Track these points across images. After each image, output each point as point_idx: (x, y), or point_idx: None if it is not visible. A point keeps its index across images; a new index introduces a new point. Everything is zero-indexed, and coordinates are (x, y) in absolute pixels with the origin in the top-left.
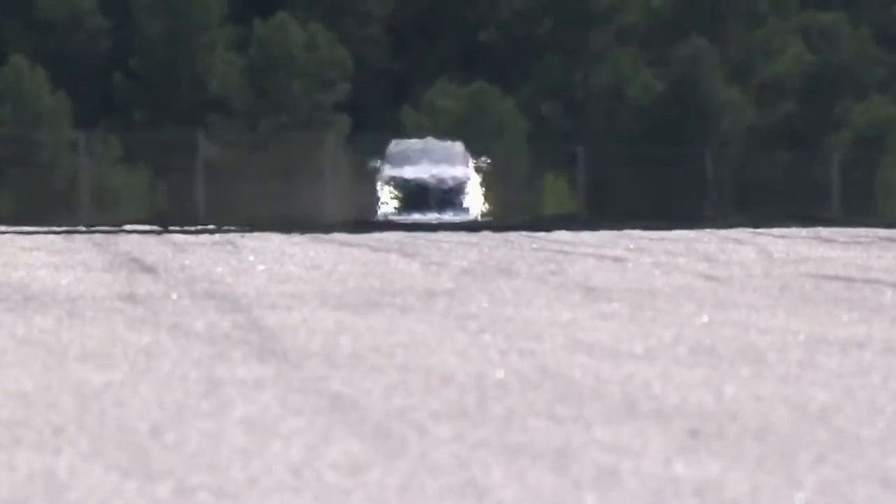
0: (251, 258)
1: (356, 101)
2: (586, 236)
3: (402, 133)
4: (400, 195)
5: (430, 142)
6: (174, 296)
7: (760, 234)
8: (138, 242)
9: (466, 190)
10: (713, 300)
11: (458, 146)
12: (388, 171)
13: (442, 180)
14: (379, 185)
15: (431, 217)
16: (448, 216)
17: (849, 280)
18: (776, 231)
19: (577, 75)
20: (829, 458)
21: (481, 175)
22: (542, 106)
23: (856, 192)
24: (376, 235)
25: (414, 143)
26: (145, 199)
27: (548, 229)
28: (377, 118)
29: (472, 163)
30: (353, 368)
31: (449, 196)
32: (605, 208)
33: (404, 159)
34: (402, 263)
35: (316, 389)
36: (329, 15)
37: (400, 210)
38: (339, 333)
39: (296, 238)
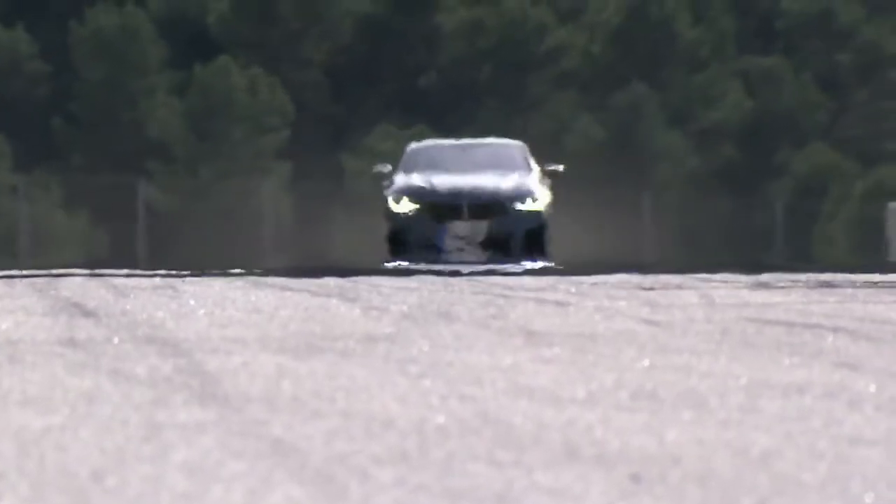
0: (192, 302)
1: (295, 146)
2: (527, 280)
3: (343, 178)
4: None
5: (471, 141)
6: (115, 340)
7: (702, 279)
8: (79, 287)
9: (525, 208)
10: (654, 345)
11: (514, 146)
12: (403, 179)
13: (487, 194)
14: (389, 200)
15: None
16: (502, 263)
17: (790, 325)
18: (718, 276)
19: (517, 120)
20: (771, 503)
21: (549, 186)
22: None
23: (797, 238)
24: (317, 280)
25: (445, 143)
26: (85, 243)
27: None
28: (317, 163)
29: (536, 170)
30: (294, 413)
31: (496, 217)
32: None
33: (429, 164)
34: (343, 308)
35: (257, 434)
36: (269, 60)
37: (417, 254)
38: (280, 378)
39: (237, 283)
